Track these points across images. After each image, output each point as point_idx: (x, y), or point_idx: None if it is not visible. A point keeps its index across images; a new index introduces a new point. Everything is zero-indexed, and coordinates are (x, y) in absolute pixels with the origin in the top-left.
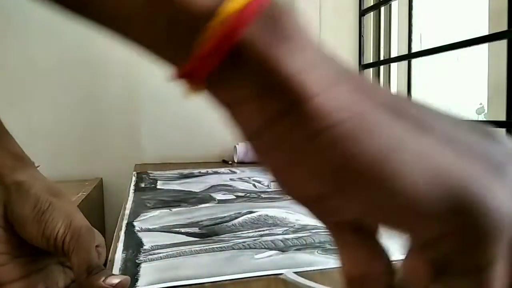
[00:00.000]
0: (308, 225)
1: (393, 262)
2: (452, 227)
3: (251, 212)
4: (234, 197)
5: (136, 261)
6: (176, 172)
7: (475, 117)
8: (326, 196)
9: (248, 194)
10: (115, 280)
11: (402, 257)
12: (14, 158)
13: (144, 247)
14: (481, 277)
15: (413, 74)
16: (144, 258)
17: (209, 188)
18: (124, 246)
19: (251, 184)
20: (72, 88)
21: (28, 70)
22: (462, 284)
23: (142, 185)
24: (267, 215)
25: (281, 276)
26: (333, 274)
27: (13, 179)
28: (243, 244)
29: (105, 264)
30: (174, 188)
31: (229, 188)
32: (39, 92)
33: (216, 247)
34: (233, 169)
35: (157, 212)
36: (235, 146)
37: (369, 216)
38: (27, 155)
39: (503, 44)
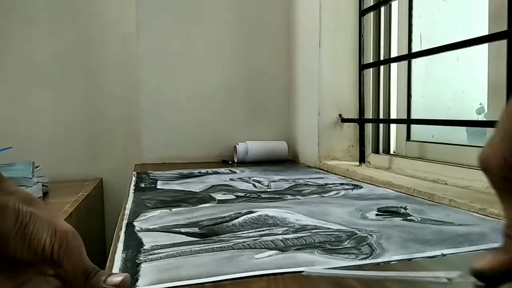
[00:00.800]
0: (308, 225)
1: None
2: None
3: (251, 212)
4: (234, 197)
5: (136, 261)
6: (176, 172)
7: (475, 117)
8: None
9: (248, 194)
10: (116, 279)
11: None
12: None
13: (144, 247)
14: None
15: (413, 74)
16: (144, 258)
17: (209, 188)
18: (124, 246)
19: (251, 184)
20: (72, 89)
21: (28, 71)
22: None
23: (142, 185)
24: (267, 215)
25: (303, 273)
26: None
27: None
28: (243, 244)
29: (103, 265)
30: (174, 188)
31: (229, 188)
32: (40, 92)
33: (216, 247)
34: (233, 169)
35: (157, 212)
36: (235, 146)
37: None
38: None
39: (503, 44)
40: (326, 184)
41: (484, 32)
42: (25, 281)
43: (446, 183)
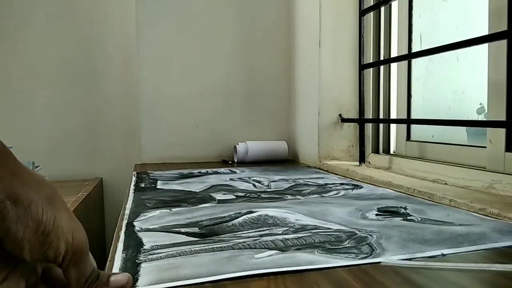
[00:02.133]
0: (308, 225)
1: None
2: None
3: (251, 212)
4: (234, 197)
5: (136, 261)
6: (176, 172)
7: (475, 117)
8: None
9: (248, 194)
10: (119, 278)
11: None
12: None
13: (144, 247)
14: None
15: (413, 74)
16: (144, 258)
17: (209, 188)
18: (124, 246)
19: (251, 184)
20: (72, 89)
21: (28, 71)
22: None
23: (142, 185)
24: (267, 215)
25: (381, 264)
26: (333, 273)
27: (7, 192)
28: (243, 244)
29: (103, 265)
30: (174, 188)
31: (229, 188)
32: (40, 92)
33: (216, 247)
34: (233, 169)
35: (157, 212)
36: (235, 146)
37: None
38: (8, 149)
39: (503, 44)
40: (326, 184)
41: (484, 32)
42: (16, 262)
43: (446, 183)
